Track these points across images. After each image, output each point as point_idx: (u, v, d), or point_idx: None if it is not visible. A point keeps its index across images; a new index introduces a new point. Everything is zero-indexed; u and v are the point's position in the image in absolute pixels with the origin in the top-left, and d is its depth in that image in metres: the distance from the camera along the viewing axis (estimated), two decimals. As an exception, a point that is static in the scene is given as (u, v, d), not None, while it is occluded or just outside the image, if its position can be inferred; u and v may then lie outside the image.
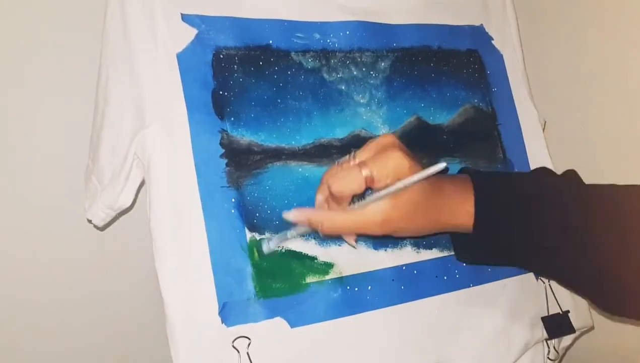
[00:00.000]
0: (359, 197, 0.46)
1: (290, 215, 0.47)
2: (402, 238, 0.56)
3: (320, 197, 0.48)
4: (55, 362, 0.64)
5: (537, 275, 0.61)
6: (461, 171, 0.57)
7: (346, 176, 0.44)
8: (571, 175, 0.53)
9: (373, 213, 0.45)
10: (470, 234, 0.50)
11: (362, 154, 0.46)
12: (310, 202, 0.51)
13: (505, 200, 0.50)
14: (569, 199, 0.49)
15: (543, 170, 0.57)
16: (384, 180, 0.44)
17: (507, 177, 0.57)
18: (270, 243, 0.50)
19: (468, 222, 0.49)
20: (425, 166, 0.43)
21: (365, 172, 0.43)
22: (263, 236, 0.50)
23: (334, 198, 0.46)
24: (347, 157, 0.46)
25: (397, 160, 0.44)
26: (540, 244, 0.49)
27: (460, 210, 0.49)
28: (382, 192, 0.44)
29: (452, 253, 0.58)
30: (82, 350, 0.65)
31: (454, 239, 0.57)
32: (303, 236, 0.51)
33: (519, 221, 0.49)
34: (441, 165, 0.42)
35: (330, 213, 0.46)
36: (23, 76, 0.61)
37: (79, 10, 0.62)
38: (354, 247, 0.50)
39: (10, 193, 0.61)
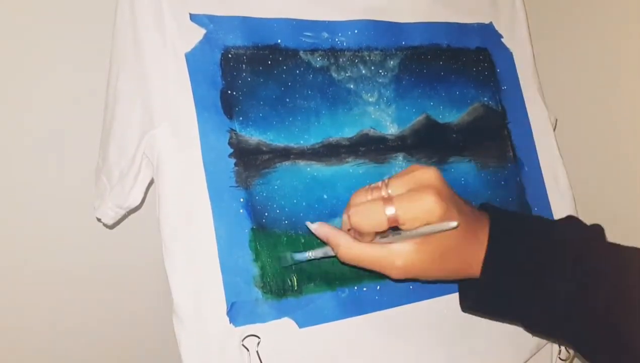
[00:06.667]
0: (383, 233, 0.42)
1: (313, 226, 0.45)
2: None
3: (345, 218, 0.43)
4: (63, 361, 0.65)
5: (535, 333, 0.54)
6: (481, 207, 0.51)
7: (368, 210, 0.40)
8: (597, 230, 0.47)
9: (393, 254, 0.41)
10: (475, 279, 0.45)
11: (395, 185, 0.41)
12: (318, 202, 0.51)
13: (517, 248, 0.44)
14: (587, 261, 0.43)
15: (570, 222, 0.49)
16: (409, 223, 0.39)
17: (527, 221, 0.51)
18: (289, 258, 0.49)
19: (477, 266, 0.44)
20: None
21: (389, 211, 0.39)
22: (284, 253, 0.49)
23: (355, 230, 0.42)
24: (380, 182, 0.43)
25: (430, 205, 0.39)
26: (546, 303, 0.44)
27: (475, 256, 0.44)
28: (408, 233, 0.40)
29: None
30: (90, 349, 0.66)
31: (460, 285, 0.51)
32: (322, 259, 0.49)
33: (527, 274, 0.44)
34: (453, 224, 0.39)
35: (350, 240, 0.42)
36: (34, 75, 0.61)
37: (90, 10, 0.62)
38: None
39: (20, 191, 0.62)
